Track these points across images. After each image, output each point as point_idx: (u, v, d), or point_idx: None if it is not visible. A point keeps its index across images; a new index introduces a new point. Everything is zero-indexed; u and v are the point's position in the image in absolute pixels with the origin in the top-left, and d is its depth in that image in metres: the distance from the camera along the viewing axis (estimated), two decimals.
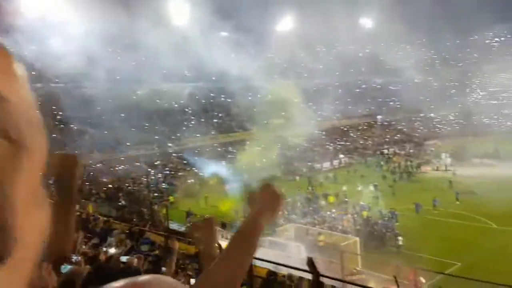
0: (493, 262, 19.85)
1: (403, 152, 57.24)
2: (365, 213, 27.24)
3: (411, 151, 57.72)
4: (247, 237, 1.19)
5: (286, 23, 73.65)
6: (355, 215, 27.24)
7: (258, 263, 9.82)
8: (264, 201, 1.27)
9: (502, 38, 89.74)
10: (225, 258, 1.14)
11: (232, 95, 60.75)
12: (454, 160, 46.97)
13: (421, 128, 73.75)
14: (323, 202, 32.04)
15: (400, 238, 22.74)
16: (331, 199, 32.12)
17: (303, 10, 70.21)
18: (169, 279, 0.79)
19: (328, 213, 27.58)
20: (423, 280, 15.99)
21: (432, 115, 77.68)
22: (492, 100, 77.24)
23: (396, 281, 10.09)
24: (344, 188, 35.90)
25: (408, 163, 47.62)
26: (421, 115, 77.23)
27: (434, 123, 76.28)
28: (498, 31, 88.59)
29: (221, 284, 1.03)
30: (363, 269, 18.05)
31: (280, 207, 1.31)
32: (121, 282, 0.74)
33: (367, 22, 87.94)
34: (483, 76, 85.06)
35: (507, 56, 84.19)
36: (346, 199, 31.93)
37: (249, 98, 61.17)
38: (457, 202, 30.58)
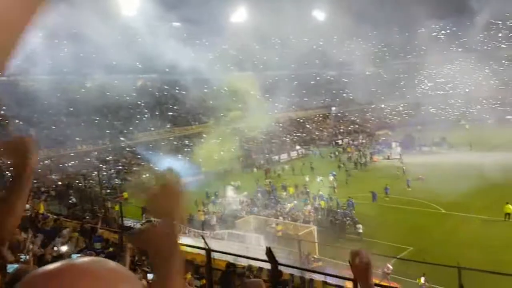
0: (442, 244, 20.83)
1: (356, 142, 58.86)
2: (323, 203, 27.67)
3: (363, 141, 59.45)
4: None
5: (240, 15, 73.14)
6: (315, 205, 27.59)
7: (217, 255, 9.63)
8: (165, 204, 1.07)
9: (448, 31, 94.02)
10: None
11: (187, 87, 59.79)
12: (404, 149, 48.81)
13: (373, 118, 76.26)
14: (283, 194, 32.22)
15: (359, 225, 23.19)
16: (291, 190, 32.34)
17: (256, 1, 69.78)
18: (111, 262, 0.76)
19: (289, 204, 27.67)
20: (391, 267, 16.37)
21: (382, 106, 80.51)
22: (439, 90, 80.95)
23: (351, 266, 10.23)
24: (303, 179, 36.41)
25: (361, 152, 49.02)
26: (373, 106, 79.84)
27: (385, 113, 79.06)
28: (443, 24, 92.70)
29: None
30: (322, 256, 18.33)
31: (179, 205, 1.08)
32: (58, 263, 0.71)
33: (319, 15, 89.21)
34: (430, 68, 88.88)
35: (452, 48, 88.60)
36: (305, 190, 32.33)
37: (205, 90, 60.44)
38: (409, 189, 31.69)
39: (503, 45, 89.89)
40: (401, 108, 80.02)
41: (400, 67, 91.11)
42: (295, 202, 28.51)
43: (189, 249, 11.43)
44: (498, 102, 74.29)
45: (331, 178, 36.01)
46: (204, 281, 8.87)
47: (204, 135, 52.62)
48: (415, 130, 60.33)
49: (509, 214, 23.10)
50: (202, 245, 9.36)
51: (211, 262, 8.54)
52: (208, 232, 21.41)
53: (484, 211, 24.76)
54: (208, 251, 8.45)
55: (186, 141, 52.26)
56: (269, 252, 6.56)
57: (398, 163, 41.50)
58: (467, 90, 77.51)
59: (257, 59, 71.56)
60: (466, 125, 64.70)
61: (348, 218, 24.45)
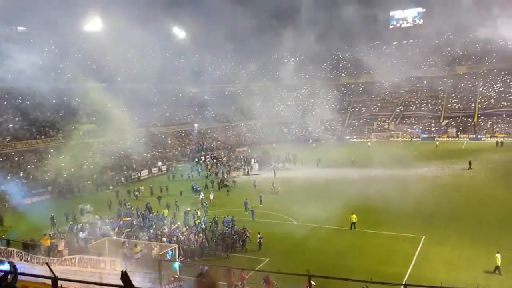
0: (294, 253, 22.36)
1: (218, 159, 59.94)
2: (198, 222, 26.84)
3: (224, 159, 60.80)
4: None
5: (95, 24, 68.65)
6: (191, 225, 26.39)
7: (65, 284, 8.57)
8: None
9: (297, 58, 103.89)
10: None
11: (32, 97, 53.30)
12: (261, 165, 51.61)
13: (233, 136, 79.23)
14: (154, 214, 30.07)
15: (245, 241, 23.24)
16: (166, 212, 30.22)
17: (112, 11, 65.59)
18: None
19: (166, 229, 25.76)
20: (313, 283, 16.43)
21: (242, 124, 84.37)
22: (290, 112, 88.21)
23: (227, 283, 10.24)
24: (170, 197, 35.07)
25: (223, 169, 49.98)
26: (233, 124, 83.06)
27: (244, 131, 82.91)
28: (293, 51, 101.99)
29: None
30: (185, 276, 17.77)
31: None
32: None
33: (180, 33, 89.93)
34: (282, 91, 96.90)
35: (301, 74, 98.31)
36: (177, 210, 30.97)
37: (53, 101, 54.71)
38: (261, 205, 32.71)
39: (342, 74, 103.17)
40: (258, 127, 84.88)
41: (257, 89, 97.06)
42: (178, 223, 26.72)
43: (31, 279, 10.07)
44: (339, 124, 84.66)
45: (200, 196, 35.38)
46: None
47: (52, 150, 47.38)
48: (271, 148, 64.46)
49: (354, 223, 25.84)
50: (48, 273, 8.26)
51: None
52: (55, 258, 19.04)
53: (332, 221, 27.30)
54: (54, 279, 7.50)
55: (30, 156, 46.20)
56: (124, 276, 6.06)
57: (256, 178, 43.61)
58: (313, 113, 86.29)
59: (114, 70, 67.79)
60: (313, 143, 71.72)
61: (229, 235, 23.89)
